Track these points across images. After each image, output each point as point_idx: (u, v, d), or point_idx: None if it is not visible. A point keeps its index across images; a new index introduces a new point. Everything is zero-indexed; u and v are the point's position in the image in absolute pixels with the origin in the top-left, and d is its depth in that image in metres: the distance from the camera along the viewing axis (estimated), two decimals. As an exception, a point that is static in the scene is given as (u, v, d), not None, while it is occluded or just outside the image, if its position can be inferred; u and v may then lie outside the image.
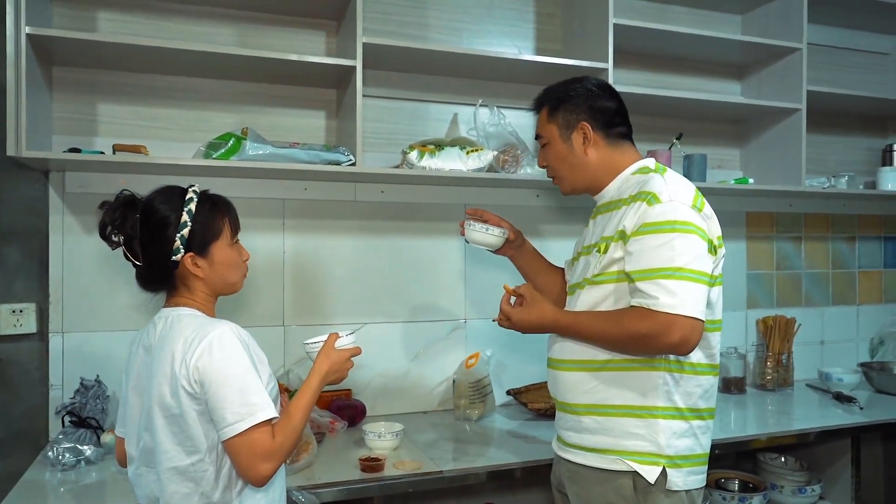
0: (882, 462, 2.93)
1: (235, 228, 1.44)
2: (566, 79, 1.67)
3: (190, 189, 1.38)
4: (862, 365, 2.95)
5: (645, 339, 1.39)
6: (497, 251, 1.87)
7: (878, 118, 3.21)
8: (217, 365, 1.24)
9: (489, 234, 1.81)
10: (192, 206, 1.35)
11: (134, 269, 1.38)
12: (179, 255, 1.33)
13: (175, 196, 1.36)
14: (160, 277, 1.37)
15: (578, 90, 1.61)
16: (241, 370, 1.26)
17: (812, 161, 2.85)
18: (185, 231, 1.33)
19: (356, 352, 1.51)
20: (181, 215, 1.33)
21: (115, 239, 1.35)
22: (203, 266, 1.36)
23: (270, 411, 1.26)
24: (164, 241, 1.33)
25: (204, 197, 1.39)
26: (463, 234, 1.85)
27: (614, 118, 1.61)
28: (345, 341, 1.50)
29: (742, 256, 2.96)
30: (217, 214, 1.39)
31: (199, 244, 1.35)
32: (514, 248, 1.87)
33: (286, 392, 1.80)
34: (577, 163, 1.61)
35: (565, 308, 1.65)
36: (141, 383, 1.35)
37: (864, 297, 3.23)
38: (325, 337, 1.50)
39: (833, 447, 2.45)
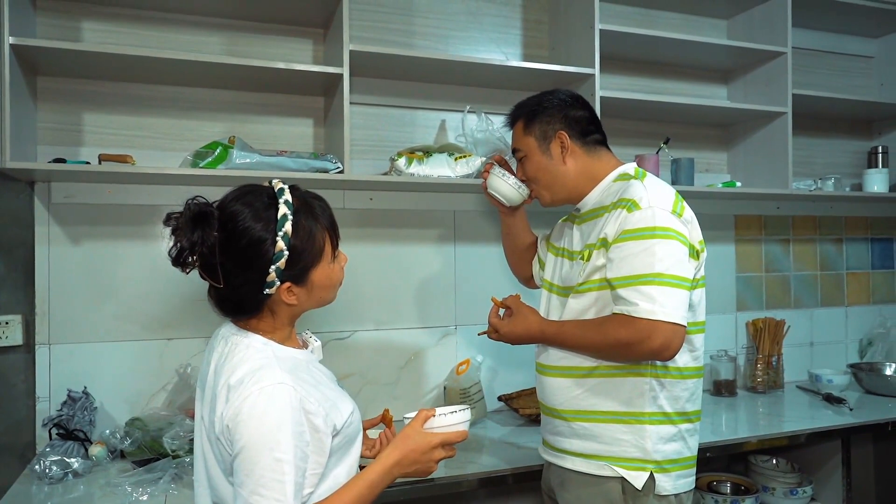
0: (872, 463, 2.94)
1: (336, 238, 1.21)
2: (536, 93, 1.68)
3: (281, 202, 1.12)
4: (851, 366, 2.96)
5: (626, 347, 1.40)
6: (500, 206, 1.81)
7: (863, 121, 3.24)
8: (250, 433, 1.04)
9: (516, 190, 1.72)
10: (288, 228, 1.10)
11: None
12: (274, 288, 1.13)
13: (261, 210, 1.11)
14: (245, 308, 1.16)
15: (552, 101, 1.62)
16: (271, 450, 1.03)
17: (798, 164, 2.88)
18: (282, 262, 1.11)
19: (454, 438, 1.20)
20: (275, 241, 1.10)
21: (191, 260, 1.11)
22: (299, 293, 1.16)
23: None
24: (255, 272, 1.11)
25: (299, 206, 1.14)
26: (485, 179, 1.77)
27: (589, 126, 1.62)
28: (442, 421, 1.18)
29: (731, 259, 2.98)
30: (317, 230, 1.15)
31: (298, 274, 1.14)
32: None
33: (388, 422, 1.46)
34: (557, 172, 1.61)
35: (540, 312, 1.64)
36: (204, 396, 1.20)
37: (853, 298, 3.25)
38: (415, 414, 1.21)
39: (824, 448, 2.45)
